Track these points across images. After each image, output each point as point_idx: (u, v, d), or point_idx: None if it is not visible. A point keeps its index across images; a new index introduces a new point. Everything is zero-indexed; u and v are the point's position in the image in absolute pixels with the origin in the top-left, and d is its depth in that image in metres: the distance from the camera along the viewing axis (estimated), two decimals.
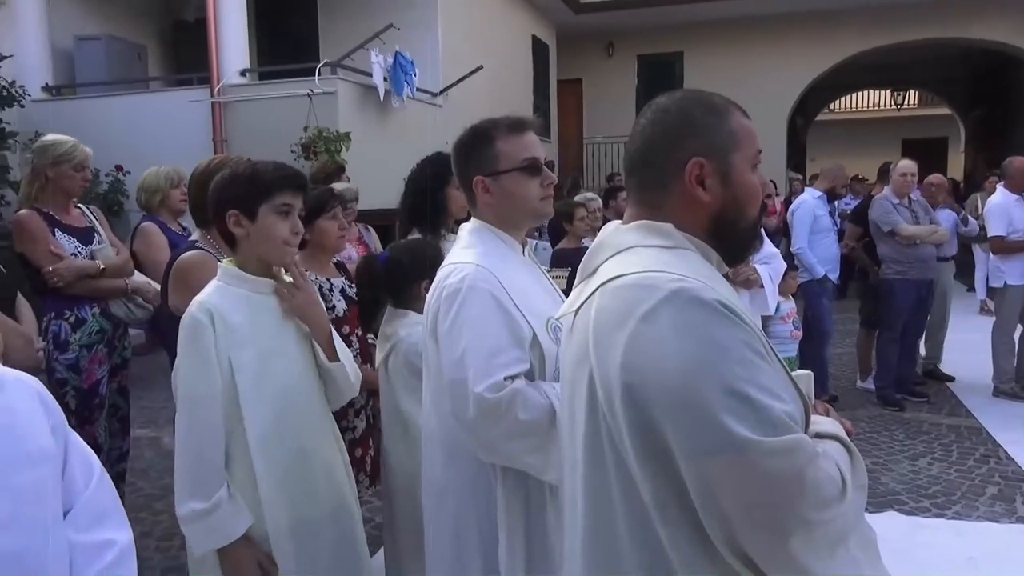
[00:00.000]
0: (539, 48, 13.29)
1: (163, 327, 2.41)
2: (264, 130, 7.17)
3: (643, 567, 1.08)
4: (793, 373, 1.27)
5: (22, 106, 7.10)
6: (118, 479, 3.49)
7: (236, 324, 1.85)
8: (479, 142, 1.82)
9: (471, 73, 9.39)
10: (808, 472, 1.00)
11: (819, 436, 1.14)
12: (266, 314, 1.93)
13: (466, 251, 1.80)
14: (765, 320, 3.73)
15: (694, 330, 1.03)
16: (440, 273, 1.81)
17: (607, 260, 1.19)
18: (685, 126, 1.19)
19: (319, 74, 7.34)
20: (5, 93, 6.74)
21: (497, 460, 1.74)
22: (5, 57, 6.76)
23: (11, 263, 3.00)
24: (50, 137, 3.37)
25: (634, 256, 1.16)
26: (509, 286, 1.74)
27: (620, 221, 1.27)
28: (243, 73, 7.88)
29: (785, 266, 4.25)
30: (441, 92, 9.38)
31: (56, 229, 3.24)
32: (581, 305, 1.19)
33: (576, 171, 13.61)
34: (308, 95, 7.15)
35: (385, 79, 7.77)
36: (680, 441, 1.01)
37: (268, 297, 1.95)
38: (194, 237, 2.55)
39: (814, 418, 1.19)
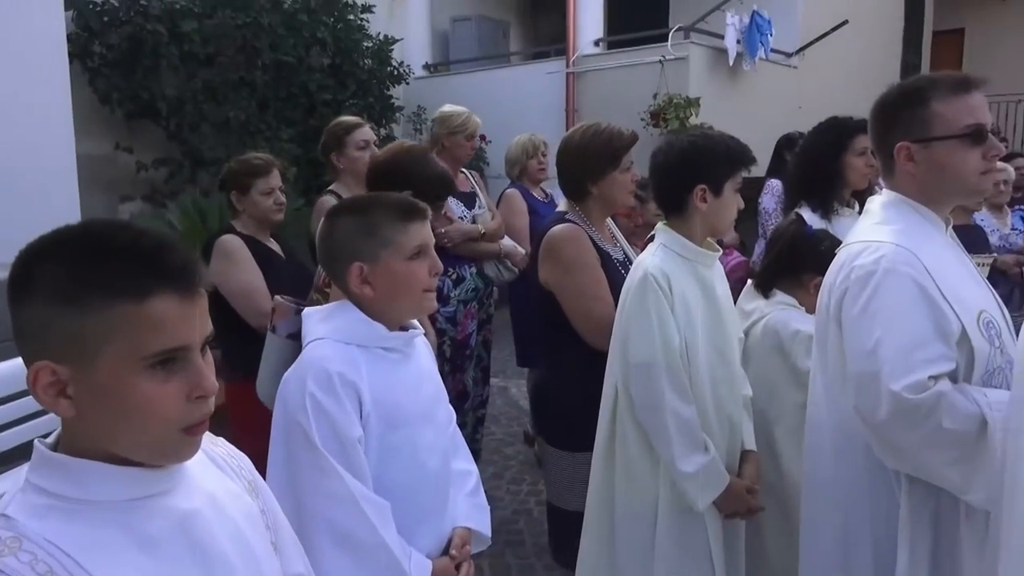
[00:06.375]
0: None
1: (530, 295, 2.49)
2: (614, 98, 7.28)
3: None
4: None
5: (408, 83, 8.01)
6: (478, 423, 3.81)
7: (682, 292, 1.89)
8: (909, 102, 1.58)
9: (835, 28, 8.55)
10: None
11: None
12: (704, 284, 1.97)
13: (881, 227, 1.59)
14: None
15: None
16: (848, 251, 1.62)
17: None
18: None
19: (671, 40, 7.23)
20: (396, 72, 7.62)
21: (906, 468, 1.53)
22: (397, 40, 7.65)
23: None
24: (448, 108, 3.65)
25: None
26: (934, 271, 1.50)
27: None
28: (596, 43, 8.06)
29: None
30: (797, 52, 8.72)
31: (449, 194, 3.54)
32: None
33: None
34: (660, 61, 7.10)
35: (738, 41, 7.42)
36: None
37: (706, 269, 1.98)
38: (562, 208, 2.44)
39: None
